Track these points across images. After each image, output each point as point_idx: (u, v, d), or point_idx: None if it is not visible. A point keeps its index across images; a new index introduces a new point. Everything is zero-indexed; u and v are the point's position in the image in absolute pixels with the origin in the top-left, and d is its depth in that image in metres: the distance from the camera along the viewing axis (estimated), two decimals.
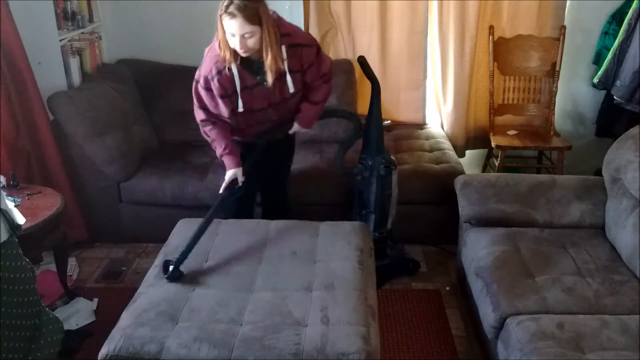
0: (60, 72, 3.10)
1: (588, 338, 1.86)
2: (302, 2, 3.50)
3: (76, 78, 3.21)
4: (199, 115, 2.40)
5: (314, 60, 2.35)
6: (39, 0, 2.95)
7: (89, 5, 3.47)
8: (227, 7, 2.07)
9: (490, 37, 3.50)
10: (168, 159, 3.29)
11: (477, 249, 2.43)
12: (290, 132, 2.56)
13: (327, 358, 1.73)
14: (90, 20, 3.50)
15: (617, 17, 3.41)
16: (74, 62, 3.19)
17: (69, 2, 3.22)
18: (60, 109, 2.94)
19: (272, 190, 2.85)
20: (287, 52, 2.23)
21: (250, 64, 2.24)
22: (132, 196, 3.14)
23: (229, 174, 2.43)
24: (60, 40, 3.09)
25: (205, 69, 2.26)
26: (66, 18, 3.22)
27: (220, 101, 2.30)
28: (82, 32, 3.35)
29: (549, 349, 1.82)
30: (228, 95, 2.28)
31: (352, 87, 3.55)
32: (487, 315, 2.12)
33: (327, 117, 2.89)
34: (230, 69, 2.21)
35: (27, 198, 2.60)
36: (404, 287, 2.87)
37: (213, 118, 2.38)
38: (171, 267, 2.08)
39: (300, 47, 2.28)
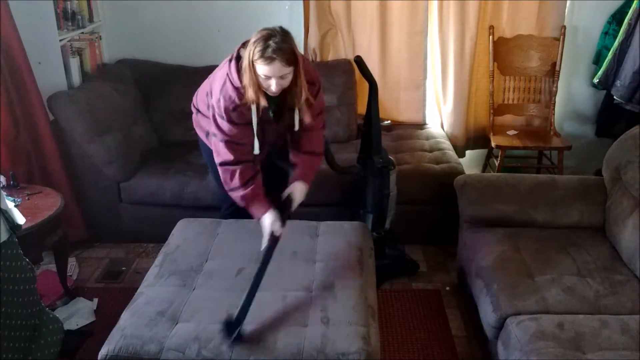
0: (60, 72, 3.10)
1: (588, 338, 1.86)
2: (302, 2, 3.50)
3: (76, 78, 3.21)
4: (224, 154, 2.16)
5: (314, 97, 2.23)
6: (39, 0, 2.95)
7: (89, 5, 3.48)
8: (263, 52, 1.91)
9: (490, 37, 3.50)
10: (168, 159, 3.29)
11: (477, 249, 2.43)
12: (294, 205, 2.26)
13: (327, 358, 1.73)
14: (90, 20, 3.50)
15: (617, 17, 3.41)
16: (74, 62, 3.20)
17: (69, 2, 3.23)
18: (60, 109, 2.94)
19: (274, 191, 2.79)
20: None
21: (268, 100, 2.12)
22: (132, 196, 3.14)
23: (266, 223, 2.13)
24: (60, 40, 3.09)
25: (226, 101, 2.08)
26: (66, 18, 3.22)
27: (242, 128, 2.15)
28: (82, 32, 3.35)
29: (549, 349, 1.82)
30: (249, 123, 2.15)
31: (352, 87, 3.55)
32: (487, 315, 2.12)
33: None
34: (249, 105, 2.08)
35: (27, 198, 2.60)
36: (404, 287, 2.87)
37: (237, 155, 2.16)
38: (236, 331, 1.81)
39: (308, 83, 2.15)
